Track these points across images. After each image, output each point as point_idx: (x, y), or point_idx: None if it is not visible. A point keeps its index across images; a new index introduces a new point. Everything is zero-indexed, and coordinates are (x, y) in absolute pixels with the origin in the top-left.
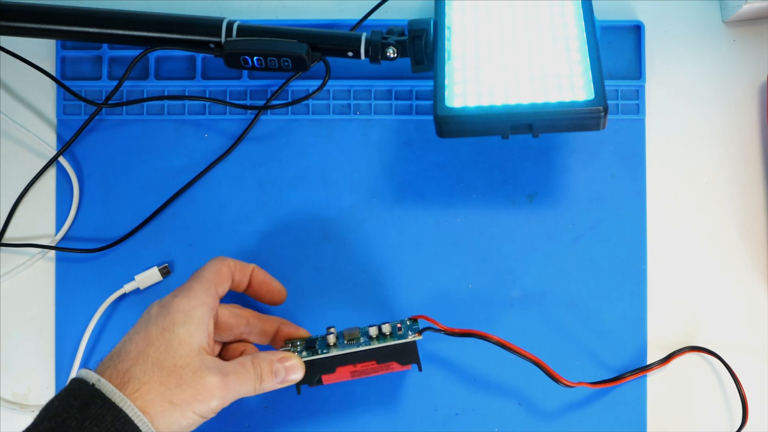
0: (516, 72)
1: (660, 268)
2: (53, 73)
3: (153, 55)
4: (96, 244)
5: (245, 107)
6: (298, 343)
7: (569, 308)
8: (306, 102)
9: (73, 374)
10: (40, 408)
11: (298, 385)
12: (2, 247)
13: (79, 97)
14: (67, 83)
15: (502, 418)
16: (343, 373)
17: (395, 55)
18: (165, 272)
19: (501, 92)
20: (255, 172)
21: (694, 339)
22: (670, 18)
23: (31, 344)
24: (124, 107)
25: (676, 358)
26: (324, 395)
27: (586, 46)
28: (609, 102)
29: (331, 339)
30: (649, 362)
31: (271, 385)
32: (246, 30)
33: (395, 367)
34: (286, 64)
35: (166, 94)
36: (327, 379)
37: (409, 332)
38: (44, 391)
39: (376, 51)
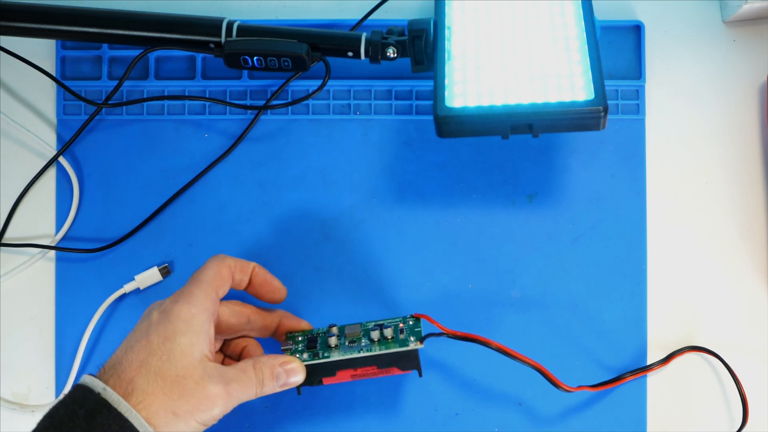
0: (516, 72)
1: (660, 268)
2: (53, 73)
3: (153, 55)
4: (96, 244)
5: (245, 107)
6: (300, 339)
7: (569, 308)
8: (306, 102)
9: (72, 374)
10: (40, 408)
11: (299, 386)
12: (2, 247)
13: (79, 97)
14: (67, 83)
15: (502, 419)
16: (343, 376)
17: (395, 55)
18: (165, 272)
19: (501, 92)
20: (255, 172)
21: (694, 339)
22: (670, 18)
23: (31, 344)
24: (124, 107)
25: (676, 358)
26: (324, 396)
27: (586, 46)
28: (609, 102)
29: (333, 341)
30: (649, 362)
31: (271, 388)
32: (246, 30)
33: (396, 371)
34: (286, 64)
35: (166, 94)
36: (327, 380)
37: (411, 337)
38: (44, 391)
39: (376, 51)
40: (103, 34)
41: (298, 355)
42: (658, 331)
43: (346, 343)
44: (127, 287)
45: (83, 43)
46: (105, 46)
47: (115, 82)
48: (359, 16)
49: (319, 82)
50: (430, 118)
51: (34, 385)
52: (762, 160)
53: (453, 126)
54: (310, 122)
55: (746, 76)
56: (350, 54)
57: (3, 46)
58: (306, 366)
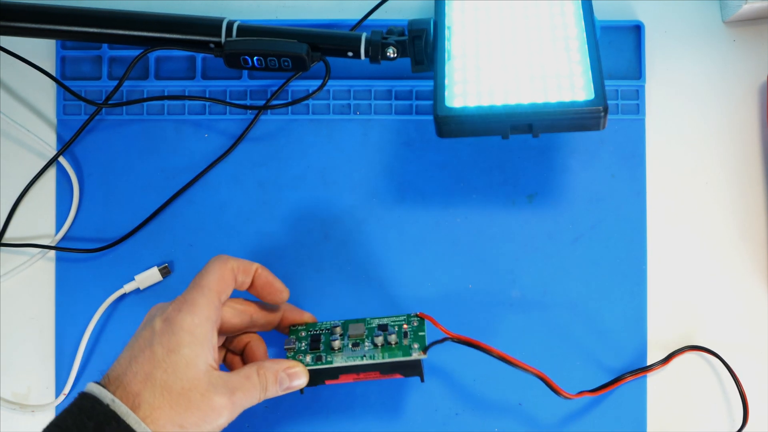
0: (516, 72)
1: (660, 268)
2: (53, 73)
3: (153, 55)
4: (96, 244)
5: (245, 107)
6: (303, 335)
7: (569, 308)
8: (306, 102)
9: (72, 375)
10: (40, 408)
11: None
12: (2, 247)
13: (79, 97)
14: (67, 83)
15: (502, 419)
16: (346, 378)
17: (395, 55)
18: (165, 272)
19: (501, 92)
20: (255, 172)
21: (694, 339)
22: (670, 18)
23: (31, 344)
24: (124, 107)
25: (676, 358)
26: (325, 396)
27: (586, 46)
28: (609, 102)
29: (336, 344)
30: (649, 362)
31: (274, 393)
32: (246, 30)
33: (398, 376)
34: (286, 64)
35: (166, 94)
36: (330, 381)
37: (415, 345)
38: (44, 391)
39: (376, 51)
40: (103, 34)
41: (301, 357)
42: (658, 331)
43: (350, 345)
44: (127, 287)
45: (83, 43)
46: (105, 46)
47: (115, 82)
48: (359, 16)
49: (319, 82)
50: (430, 118)
51: (34, 385)
52: (762, 160)
53: (453, 126)
54: (310, 122)
55: (746, 76)
56: (350, 54)
57: (3, 46)
58: (309, 371)
